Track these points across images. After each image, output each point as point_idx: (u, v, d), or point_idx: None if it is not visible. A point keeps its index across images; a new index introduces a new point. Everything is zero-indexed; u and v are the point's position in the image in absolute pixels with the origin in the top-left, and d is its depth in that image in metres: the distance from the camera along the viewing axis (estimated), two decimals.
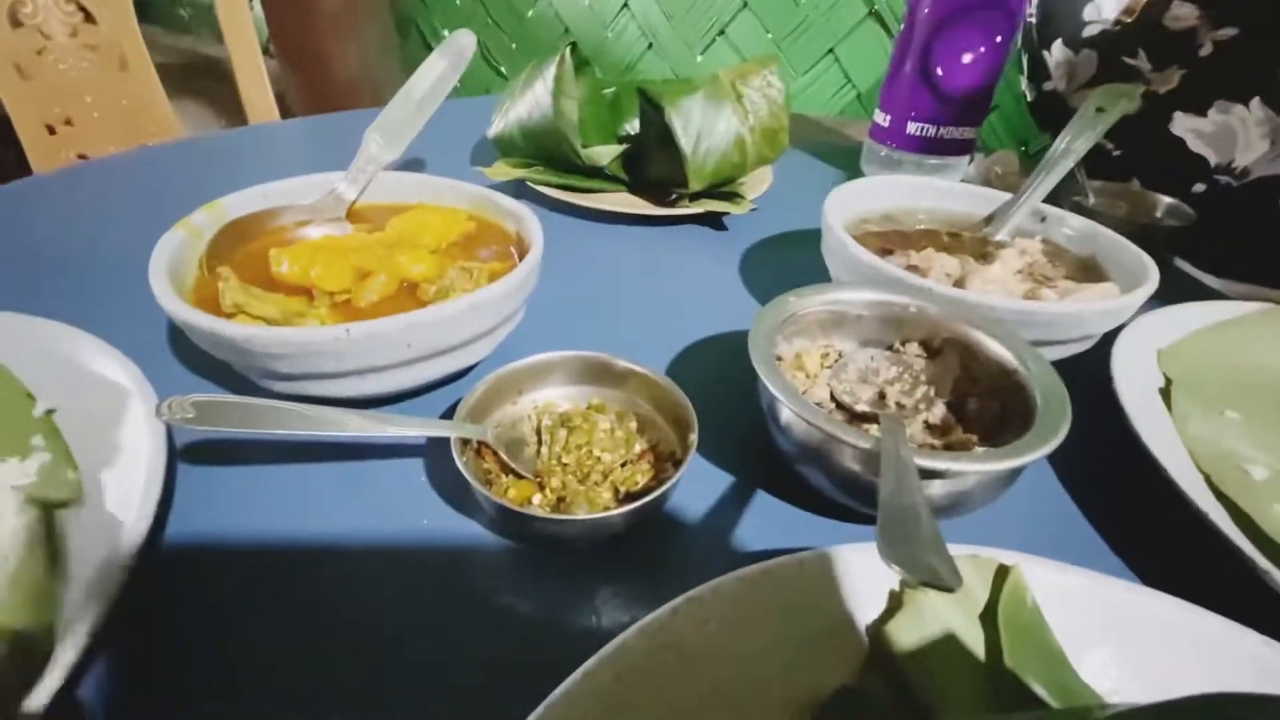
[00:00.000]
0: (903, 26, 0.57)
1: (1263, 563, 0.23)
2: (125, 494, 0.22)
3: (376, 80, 1.21)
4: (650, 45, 1.03)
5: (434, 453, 0.28)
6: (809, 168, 0.67)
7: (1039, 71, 0.62)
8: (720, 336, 0.39)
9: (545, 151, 0.52)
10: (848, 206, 0.42)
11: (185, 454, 0.27)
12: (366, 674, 0.21)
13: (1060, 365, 0.34)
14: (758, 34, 0.92)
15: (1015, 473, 0.24)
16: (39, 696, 0.16)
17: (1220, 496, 0.28)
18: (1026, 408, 0.26)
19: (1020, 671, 0.19)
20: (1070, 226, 0.41)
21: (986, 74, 0.55)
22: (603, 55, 1.09)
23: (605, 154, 0.52)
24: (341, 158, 0.39)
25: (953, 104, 0.56)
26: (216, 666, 0.20)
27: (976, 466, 0.22)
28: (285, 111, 1.36)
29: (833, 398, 0.30)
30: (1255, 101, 0.51)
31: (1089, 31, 0.58)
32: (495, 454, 0.26)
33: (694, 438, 0.25)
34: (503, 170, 0.51)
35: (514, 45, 1.18)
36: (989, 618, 0.20)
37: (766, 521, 0.27)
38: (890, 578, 0.21)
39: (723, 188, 0.53)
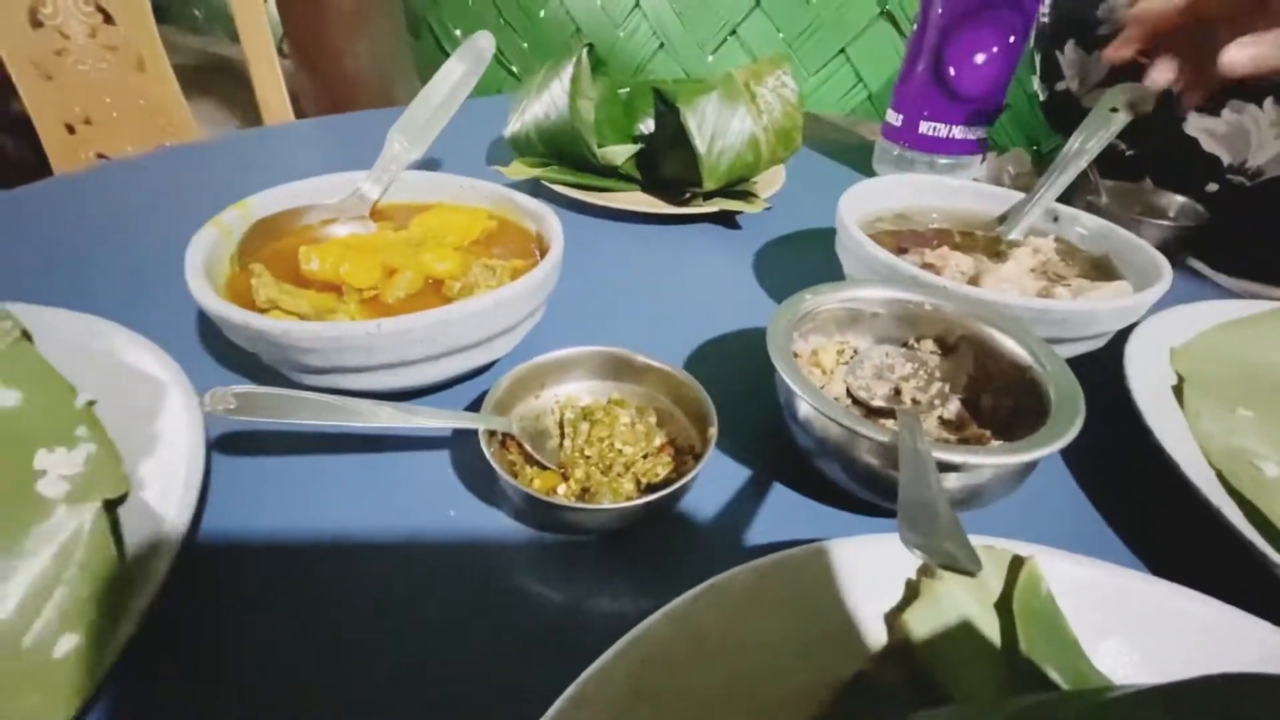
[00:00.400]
0: (915, 27, 0.57)
1: (1276, 557, 0.23)
2: (165, 486, 0.23)
3: (389, 79, 1.22)
4: (662, 45, 1.04)
5: (458, 445, 0.29)
6: (821, 167, 0.67)
7: (1052, 71, 0.62)
8: (736, 333, 0.39)
9: (561, 151, 0.53)
10: (861, 205, 0.43)
11: (219, 445, 0.28)
12: (396, 661, 0.21)
13: (1073, 363, 0.35)
14: (769, 34, 0.92)
15: (1029, 467, 0.25)
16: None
17: (1233, 493, 0.28)
18: (1040, 404, 0.27)
19: (1035, 658, 0.20)
20: (1083, 225, 0.41)
21: (999, 74, 0.55)
22: (615, 55, 1.09)
23: (621, 153, 0.53)
24: (357, 157, 0.40)
25: (965, 104, 0.56)
26: (253, 654, 0.21)
27: (992, 460, 0.23)
28: (299, 110, 1.37)
29: (849, 393, 0.31)
30: (1268, 101, 0.51)
31: (1102, 31, 0.58)
32: (519, 446, 0.27)
33: (714, 431, 0.26)
34: (520, 169, 0.52)
35: (525, 45, 1.19)
36: (1004, 607, 0.21)
37: (784, 514, 0.28)
38: (906, 567, 0.22)
39: (736, 187, 0.53)
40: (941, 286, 0.32)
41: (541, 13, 1.14)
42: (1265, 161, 0.53)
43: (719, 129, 0.49)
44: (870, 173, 0.63)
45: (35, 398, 0.25)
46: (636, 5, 1.04)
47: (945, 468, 0.23)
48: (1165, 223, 0.53)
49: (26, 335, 0.28)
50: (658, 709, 0.18)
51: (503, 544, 0.25)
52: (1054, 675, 0.19)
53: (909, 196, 0.45)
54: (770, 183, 0.56)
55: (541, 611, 0.23)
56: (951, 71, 0.55)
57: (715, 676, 0.19)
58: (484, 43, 0.44)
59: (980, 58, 0.54)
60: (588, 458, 0.27)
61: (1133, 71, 0.57)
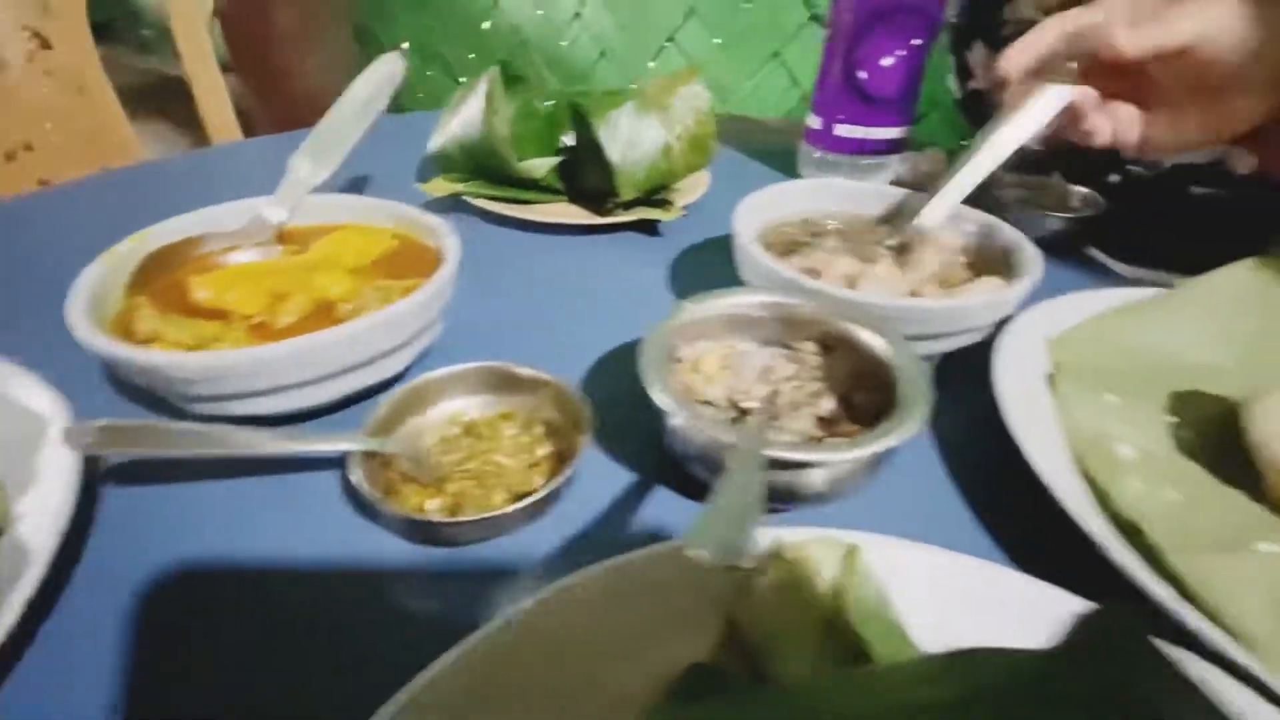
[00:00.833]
0: (827, 33, 0.59)
1: (1093, 532, 0.25)
2: (38, 520, 0.23)
3: (338, 94, 1.22)
4: (604, 54, 1.05)
5: (352, 464, 0.30)
6: (750, 171, 0.69)
7: (964, 71, 0.65)
8: (637, 342, 0.40)
9: (483, 165, 0.54)
10: (763, 212, 0.44)
11: (111, 475, 0.29)
12: (284, 680, 0.22)
13: (958, 356, 0.37)
14: (705, 39, 0.94)
15: (872, 461, 0.26)
16: None
17: (1086, 477, 0.30)
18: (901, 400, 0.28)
19: (859, 638, 0.21)
20: (973, 222, 0.43)
21: (908, 76, 0.57)
22: (559, 65, 1.10)
23: (540, 166, 0.54)
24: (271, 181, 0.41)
25: (878, 106, 0.58)
26: (139, 680, 0.22)
27: (816, 456, 0.24)
28: (250, 128, 1.37)
29: (726, 396, 0.32)
30: None
31: (1007, 30, 0.60)
32: (395, 468, 0.28)
33: (584, 439, 0.27)
34: (441, 185, 0.53)
35: (472, 56, 1.20)
36: (833, 592, 0.22)
37: (663, 515, 0.29)
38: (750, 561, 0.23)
39: (656, 194, 0.55)
40: (815, 289, 0.33)
41: (486, 24, 1.15)
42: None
43: (631, 140, 0.50)
44: (797, 175, 0.65)
45: None
46: (577, 15, 1.05)
47: (784, 465, 0.24)
48: (1068, 215, 0.55)
49: None
50: (496, 710, 0.19)
51: (386, 560, 0.26)
52: (874, 653, 0.21)
53: (811, 201, 0.46)
54: (694, 188, 0.58)
55: (422, 623, 0.24)
56: (862, 75, 0.57)
57: (561, 675, 0.21)
58: (393, 62, 0.44)
59: (888, 61, 0.56)
60: (467, 471, 0.28)
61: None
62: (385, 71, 0.45)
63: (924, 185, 0.59)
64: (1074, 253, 0.54)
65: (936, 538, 0.24)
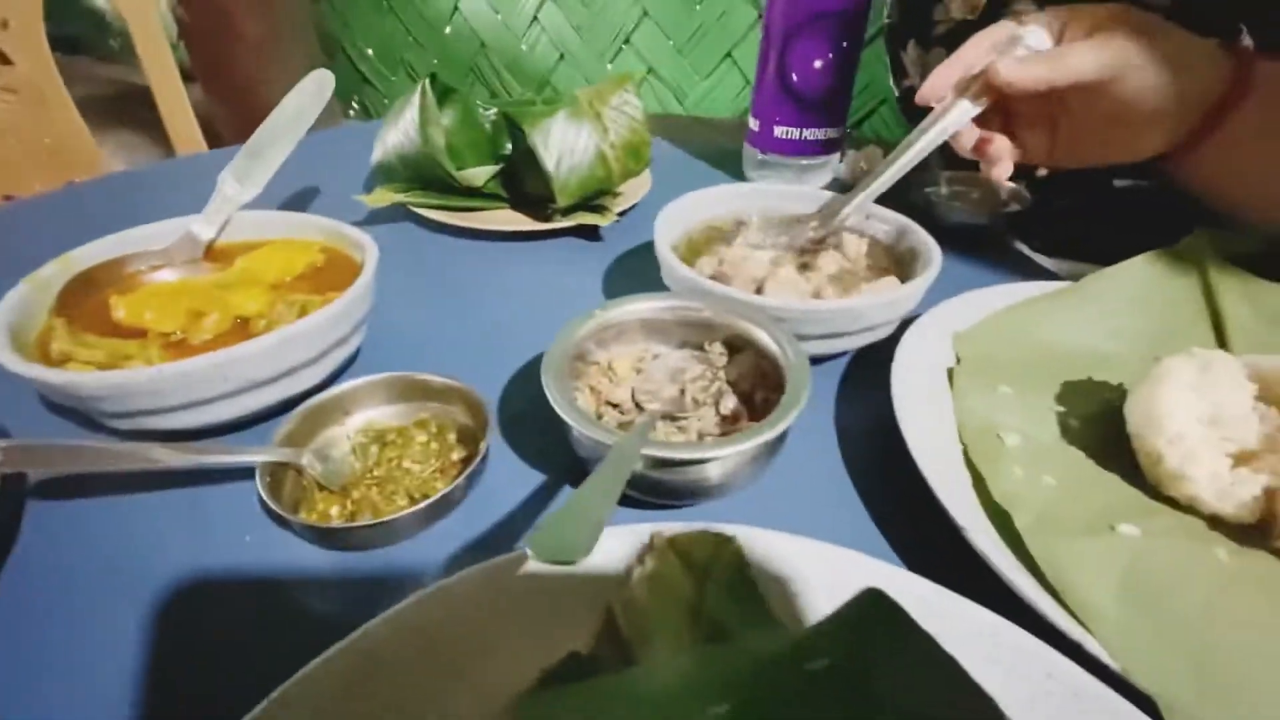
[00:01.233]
0: (762, 36, 0.60)
1: (959, 518, 0.26)
2: None
3: None
4: (562, 56, 1.06)
5: (261, 475, 0.31)
6: (696, 173, 0.70)
7: (899, 70, 0.66)
8: None
9: (423, 175, 0.55)
10: (691, 215, 0.46)
11: (36, 490, 0.30)
12: (199, 687, 0.23)
13: (870, 355, 0.38)
14: (660, 41, 0.95)
15: (758, 455, 0.28)
16: None
17: (970, 466, 0.31)
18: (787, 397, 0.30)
19: (724, 622, 0.22)
20: (886, 222, 0.44)
21: (839, 78, 0.58)
22: (519, 68, 1.11)
23: (480, 174, 0.55)
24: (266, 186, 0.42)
25: (811, 107, 0.59)
26: (59, 691, 0.23)
27: (688, 455, 0.25)
28: (216, 137, 1.37)
29: (633, 397, 0.33)
30: None
31: (938, 30, 0.62)
32: (310, 479, 0.29)
33: (485, 445, 0.28)
34: (382, 196, 0.54)
35: (435, 61, 1.20)
36: (701, 582, 0.23)
37: None
38: (629, 555, 0.25)
39: (595, 200, 0.56)
40: (720, 294, 0.35)
41: (447, 29, 1.15)
42: None
43: (566, 148, 0.52)
44: (743, 177, 0.66)
45: None
46: (535, 19, 1.06)
47: (663, 463, 0.26)
48: (994, 210, 0.57)
49: None
50: (372, 705, 0.20)
51: (294, 565, 0.27)
52: (737, 640, 0.22)
53: (735, 203, 0.48)
54: (635, 192, 0.59)
55: (330, 627, 0.25)
56: (794, 77, 0.58)
57: (439, 670, 0.22)
58: (321, 79, 0.45)
59: (818, 63, 0.57)
60: (374, 479, 0.29)
61: None
62: (312, 88, 0.46)
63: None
64: (1000, 246, 0.55)
65: (828, 531, 0.25)
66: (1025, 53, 0.42)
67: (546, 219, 0.55)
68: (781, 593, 0.24)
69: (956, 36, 0.61)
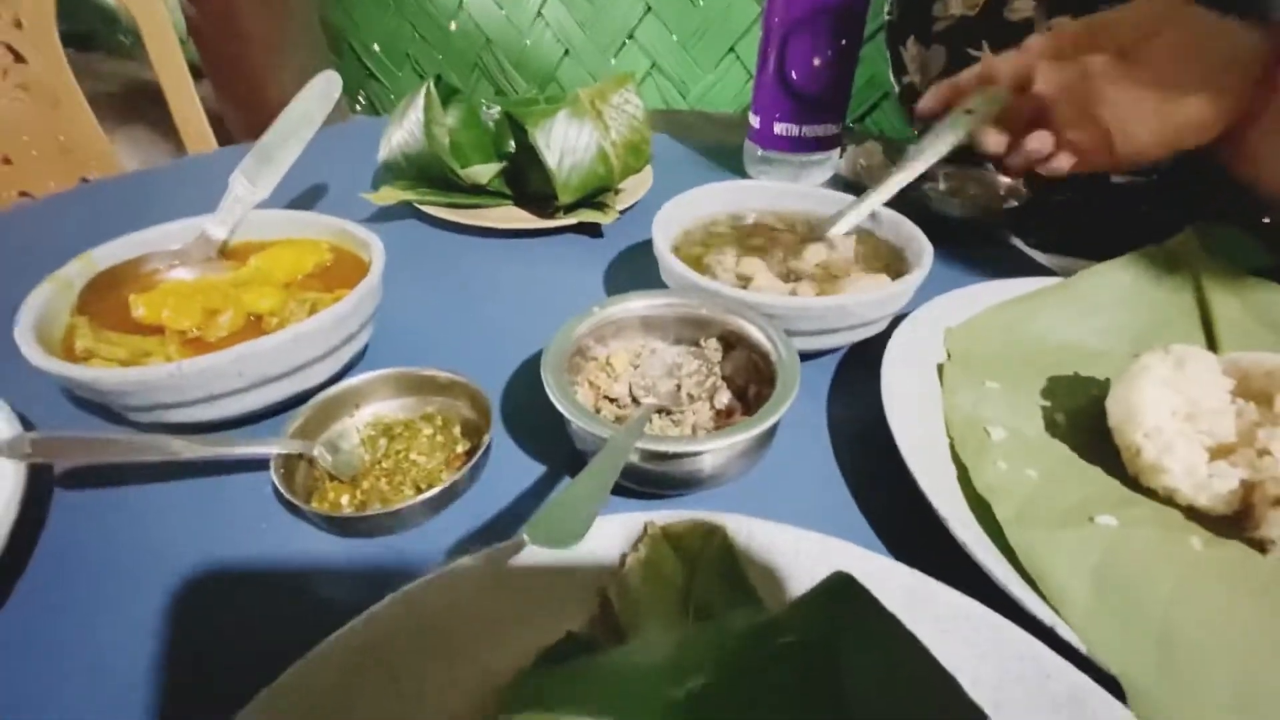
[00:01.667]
0: (761, 34, 0.61)
1: (940, 508, 0.27)
2: None
3: None
4: (567, 52, 1.07)
5: (275, 466, 0.32)
6: (699, 167, 0.71)
7: (899, 66, 0.66)
8: None
9: (428, 173, 0.56)
10: (690, 212, 0.47)
11: (63, 481, 0.32)
12: (217, 668, 0.25)
13: (863, 350, 0.39)
14: (663, 36, 0.95)
15: (748, 448, 0.29)
16: None
17: (956, 460, 0.32)
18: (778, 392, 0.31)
19: (710, 604, 0.23)
20: (885, 220, 0.45)
21: (838, 75, 0.59)
22: (525, 63, 1.12)
23: (484, 172, 0.56)
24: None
25: (810, 104, 0.60)
26: (83, 669, 0.25)
27: (682, 448, 0.27)
28: (225, 134, 1.38)
29: (630, 392, 0.34)
30: None
31: (938, 26, 0.62)
32: (322, 471, 0.30)
33: (487, 438, 0.30)
34: (388, 194, 0.55)
35: (440, 57, 1.21)
36: (691, 567, 0.25)
37: None
38: (623, 543, 0.26)
39: (598, 197, 0.57)
40: (713, 291, 0.36)
41: (452, 25, 1.16)
42: None
43: (567, 146, 0.53)
44: (745, 173, 0.67)
45: None
46: (539, 14, 1.06)
47: (655, 456, 0.27)
48: (994, 206, 0.57)
49: None
50: (371, 689, 0.22)
51: (306, 553, 0.29)
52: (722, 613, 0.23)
53: (733, 200, 0.49)
54: (637, 188, 0.60)
55: (341, 611, 0.27)
56: (794, 75, 0.59)
57: (438, 653, 0.23)
58: (327, 83, 0.47)
59: (817, 60, 0.58)
60: (383, 470, 0.30)
61: (968, 62, 0.61)
62: (320, 89, 0.47)
63: (862, 178, 0.62)
64: (997, 242, 0.56)
65: (817, 522, 0.26)
66: None
67: (549, 216, 0.56)
68: (769, 578, 0.25)
69: (956, 33, 0.62)
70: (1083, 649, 0.23)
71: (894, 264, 0.43)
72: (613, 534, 0.26)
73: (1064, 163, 0.45)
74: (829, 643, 0.14)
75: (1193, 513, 0.30)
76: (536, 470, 0.33)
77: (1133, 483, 0.31)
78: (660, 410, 0.34)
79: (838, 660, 0.14)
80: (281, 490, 0.27)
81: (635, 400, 0.34)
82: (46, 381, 0.30)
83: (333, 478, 0.30)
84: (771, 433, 0.30)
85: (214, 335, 0.34)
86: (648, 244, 0.55)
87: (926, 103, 0.49)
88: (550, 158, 0.52)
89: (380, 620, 0.22)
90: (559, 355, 0.32)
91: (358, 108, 1.41)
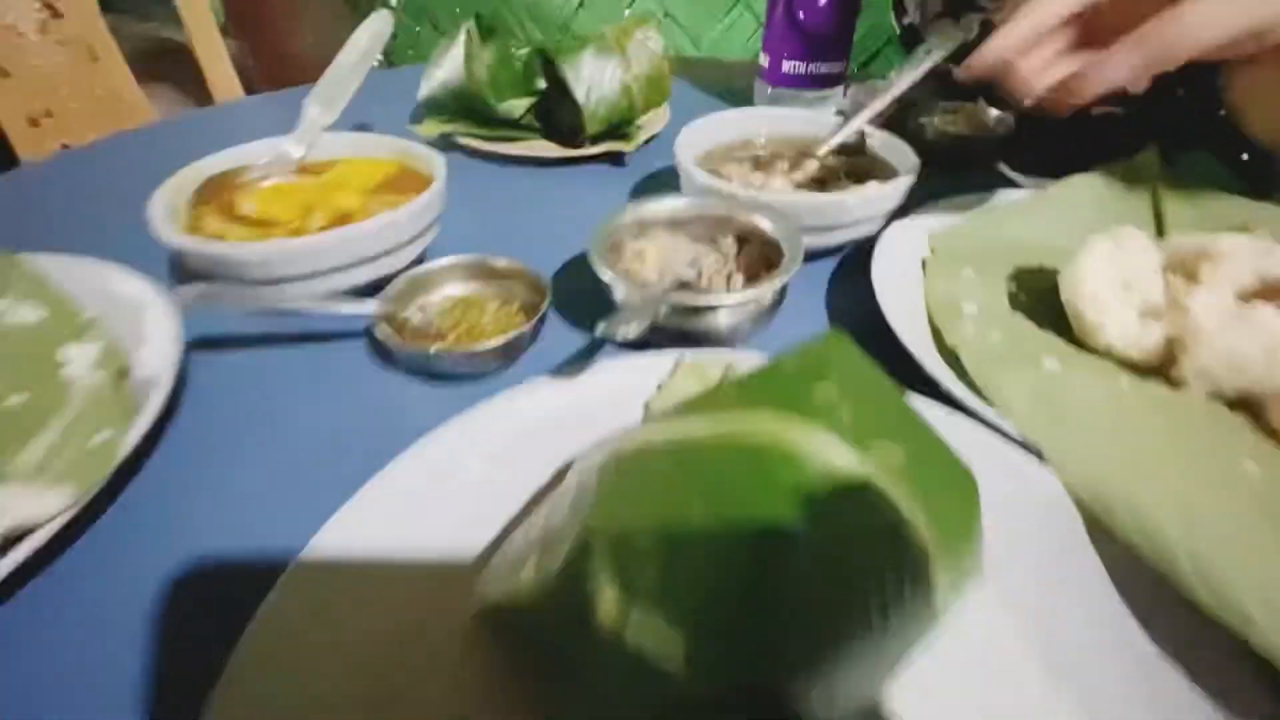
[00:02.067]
0: None
1: (920, 356, 0.34)
2: (155, 366, 0.33)
3: (330, 53, 1.28)
4: (581, 4, 1.11)
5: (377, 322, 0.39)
6: (713, 108, 0.75)
7: (899, 7, 0.71)
8: None
9: (466, 108, 0.61)
10: (706, 137, 0.52)
11: (195, 345, 0.38)
12: (320, 481, 0.32)
13: (859, 251, 0.45)
14: None
15: (757, 308, 0.35)
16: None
17: (935, 333, 0.38)
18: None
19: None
20: (878, 140, 0.51)
21: (842, 15, 0.64)
22: (540, 15, 1.16)
23: (518, 107, 0.62)
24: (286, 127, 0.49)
25: (817, 42, 0.65)
26: (207, 487, 0.32)
27: (705, 302, 0.33)
28: (249, 87, 1.42)
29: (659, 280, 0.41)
30: None
31: None
32: (413, 331, 0.37)
33: (545, 303, 0.36)
34: (431, 127, 0.61)
35: (457, 10, 1.25)
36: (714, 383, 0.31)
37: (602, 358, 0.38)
38: (661, 375, 0.32)
39: (620, 129, 0.62)
40: (730, 193, 0.42)
41: None
42: None
43: (594, 81, 0.58)
44: None
45: (54, 313, 0.35)
46: None
47: (688, 310, 0.34)
48: (982, 134, 0.63)
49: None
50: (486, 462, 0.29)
51: (398, 393, 0.36)
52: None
53: (747, 126, 0.54)
54: (654, 123, 0.65)
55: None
56: (801, 15, 0.64)
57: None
58: (381, 20, 0.52)
59: (813, 12, 0.63)
60: (460, 331, 0.37)
61: (966, 3, 0.65)
62: (376, 27, 0.52)
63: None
64: (985, 169, 0.62)
65: None
66: None
67: (574, 146, 0.62)
68: None
69: None
70: (1018, 437, 0.30)
71: (885, 176, 0.49)
72: (652, 366, 0.32)
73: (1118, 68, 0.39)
74: (816, 377, 0.21)
75: (1124, 364, 0.36)
76: (578, 338, 0.40)
77: (1078, 344, 0.38)
78: (684, 286, 0.40)
79: (818, 392, 0.21)
80: (384, 335, 0.34)
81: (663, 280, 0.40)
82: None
83: (418, 335, 0.37)
84: (780, 298, 0.36)
85: (311, 228, 0.40)
86: (666, 172, 0.61)
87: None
88: (579, 91, 0.58)
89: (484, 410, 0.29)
90: (601, 242, 0.38)
91: (376, 62, 1.45)
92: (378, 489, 0.27)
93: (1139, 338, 0.35)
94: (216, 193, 0.43)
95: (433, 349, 0.34)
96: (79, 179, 0.61)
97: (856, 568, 0.17)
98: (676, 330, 0.36)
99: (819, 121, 0.54)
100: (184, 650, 0.24)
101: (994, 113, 0.63)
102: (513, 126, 0.62)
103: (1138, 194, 0.48)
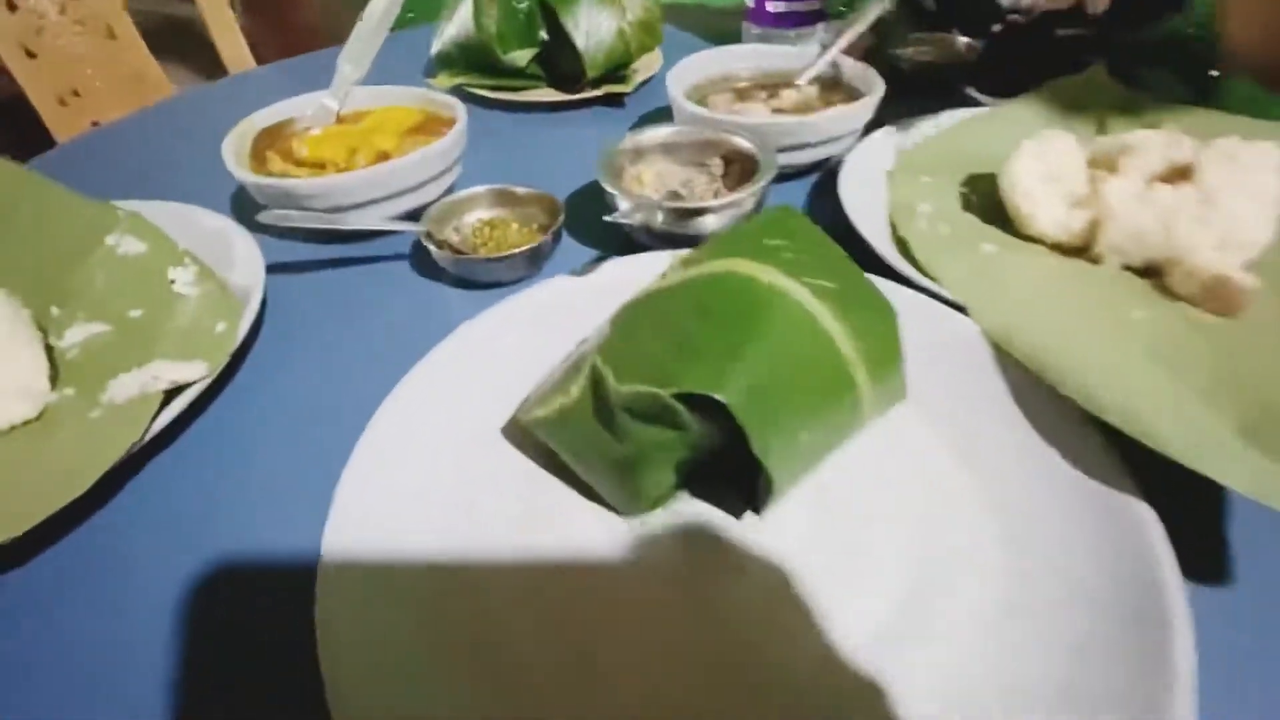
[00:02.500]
0: None
1: (878, 248, 0.40)
2: (247, 282, 0.40)
3: (337, 23, 1.32)
4: None
5: (415, 255, 0.46)
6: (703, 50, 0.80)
7: None
8: None
9: (476, 60, 0.67)
10: (695, 72, 0.58)
11: (271, 269, 0.46)
12: (384, 364, 0.39)
13: (833, 168, 0.51)
14: None
15: (742, 214, 0.42)
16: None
17: (892, 226, 0.45)
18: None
19: None
20: (849, 68, 0.56)
21: None
22: None
23: (523, 57, 0.68)
24: (316, 86, 0.55)
25: None
26: (297, 371, 0.39)
27: (695, 205, 0.40)
28: (258, 58, 1.47)
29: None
30: None
31: None
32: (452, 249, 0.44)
33: (561, 218, 0.43)
34: (445, 79, 0.67)
35: None
36: None
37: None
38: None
39: (618, 73, 0.68)
40: (714, 119, 0.48)
41: None
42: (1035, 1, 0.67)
43: (592, 28, 0.63)
44: None
45: (155, 245, 0.43)
46: None
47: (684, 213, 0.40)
48: (951, 61, 0.68)
49: None
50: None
51: (438, 294, 0.43)
52: None
53: (733, 63, 0.60)
54: (649, 67, 0.71)
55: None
56: None
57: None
58: None
59: None
60: (490, 249, 0.44)
61: None
62: None
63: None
64: (954, 93, 0.67)
65: None
66: None
67: (576, 91, 0.68)
68: None
69: None
70: (954, 299, 0.36)
71: (853, 99, 0.55)
72: (651, 262, 0.39)
73: None
74: (771, 237, 0.28)
75: (1054, 248, 0.42)
76: (588, 251, 0.47)
77: (1016, 234, 0.44)
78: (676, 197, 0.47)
79: (781, 252, 0.27)
80: (430, 245, 0.41)
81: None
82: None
83: (455, 250, 0.44)
84: (759, 204, 0.43)
85: (356, 166, 0.47)
86: (661, 112, 0.67)
87: None
88: (579, 38, 0.63)
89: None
90: (604, 165, 0.44)
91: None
92: (433, 362, 0.34)
93: (1065, 224, 0.42)
94: (271, 142, 0.50)
95: (471, 256, 0.41)
96: (129, 148, 0.68)
97: (785, 350, 0.25)
98: (671, 235, 0.42)
99: (798, 56, 0.60)
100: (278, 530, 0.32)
101: (963, 40, 0.68)
102: (519, 75, 0.68)
103: (1083, 106, 0.54)
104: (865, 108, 0.49)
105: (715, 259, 0.27)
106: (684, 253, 0.38)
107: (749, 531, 0.27)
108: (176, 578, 0.28)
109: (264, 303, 0.42)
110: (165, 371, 0.32)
